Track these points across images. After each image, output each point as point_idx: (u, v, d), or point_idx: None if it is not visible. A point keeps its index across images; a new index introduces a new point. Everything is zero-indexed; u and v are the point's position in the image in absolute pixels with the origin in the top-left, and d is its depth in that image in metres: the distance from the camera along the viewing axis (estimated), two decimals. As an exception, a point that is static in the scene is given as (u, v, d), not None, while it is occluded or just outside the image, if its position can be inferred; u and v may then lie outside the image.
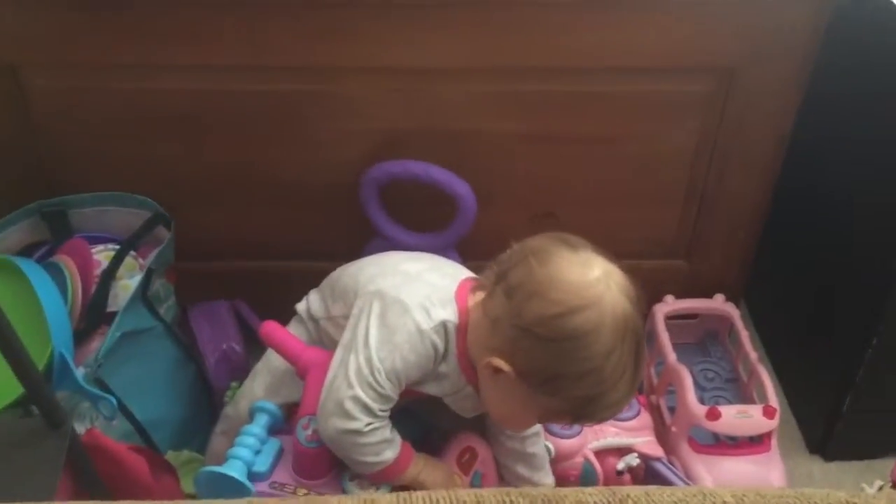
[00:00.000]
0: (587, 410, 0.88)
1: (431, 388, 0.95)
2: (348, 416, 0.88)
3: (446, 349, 0.91)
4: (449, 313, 0.91)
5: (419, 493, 0.45)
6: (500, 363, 0.86)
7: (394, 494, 0.45)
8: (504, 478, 1.08)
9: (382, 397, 0.89)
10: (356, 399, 0.88)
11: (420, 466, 0.95)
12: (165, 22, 1.09)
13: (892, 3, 1.08)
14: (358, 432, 0.88)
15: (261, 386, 1.06)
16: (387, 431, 0.91)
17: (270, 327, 1.00)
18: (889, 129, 1.13)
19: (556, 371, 0.84)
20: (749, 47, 1.15)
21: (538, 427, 1.06)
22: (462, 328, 0.91)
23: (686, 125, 1.23)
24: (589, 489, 0.45)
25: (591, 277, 0.85)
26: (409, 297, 0.91)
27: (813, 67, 1.17)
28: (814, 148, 1.29)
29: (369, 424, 0.89)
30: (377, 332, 0.89)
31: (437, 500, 0.43)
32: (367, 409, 0.88)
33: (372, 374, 0.88)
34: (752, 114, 1.21)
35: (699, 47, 1.15)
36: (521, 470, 1.07)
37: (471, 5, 1.09)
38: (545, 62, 1.15)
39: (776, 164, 1.27)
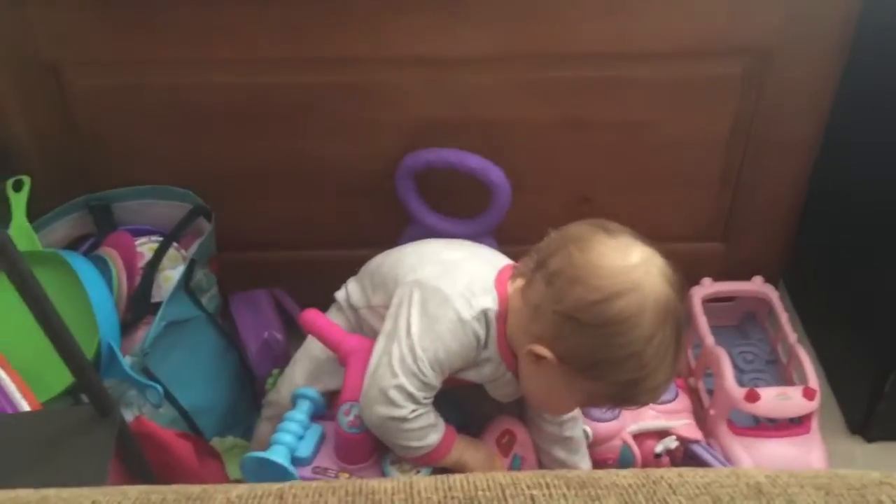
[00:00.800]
0: (628, 394, 0.88)
1: (472, 376, 0.96)
2: (393, 403, 0.90)
3: (487, 337, 0.92)
4: (489, 301, 0.92)
5: (458, 476, 0.46)
6: (541, 350, 0.87)
7: (433, 477, 0.46)
8: (542, 461, 1.09)
9: (426, 385, 0.90)
10: (400, 387, 0.89)
11: (461, 449, 0.96)
12: (204, 17, 1.11)
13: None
14: (403, 419, 0.90)
15: (301, 373, 1.08)
16: (431, 417, 0.93)
17: (311, 315, 1.02)
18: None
19: (598, 356, 0.85)
20: (784, 30, 1.13)
21: (576, 411, 1.07)
22: (502, 315, 0.92)
23: (721, 108, 1.22)
24: (623, 471, 0.46)
25: (630, 262, 0.85)
26: (450, 286, 0.92)
27: (850, 50, 1.16)
28: (852, 130, 1.28)
29: (414, 411, 0.90)
30: (419, 322, 0.91)
31: (475, 482, 0.44)
32: (411, 397, 0.90)
33: (415, 362, 0.89)
34: (789, 96, 1.20)
35: (733, 30, 1.14)
36: (559, 453, 1.08)
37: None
38: (577, 48, 1.15)
39: (813, 146, 1.25)
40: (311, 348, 1.07)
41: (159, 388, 1.07)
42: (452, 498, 0.43)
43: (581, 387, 0.88)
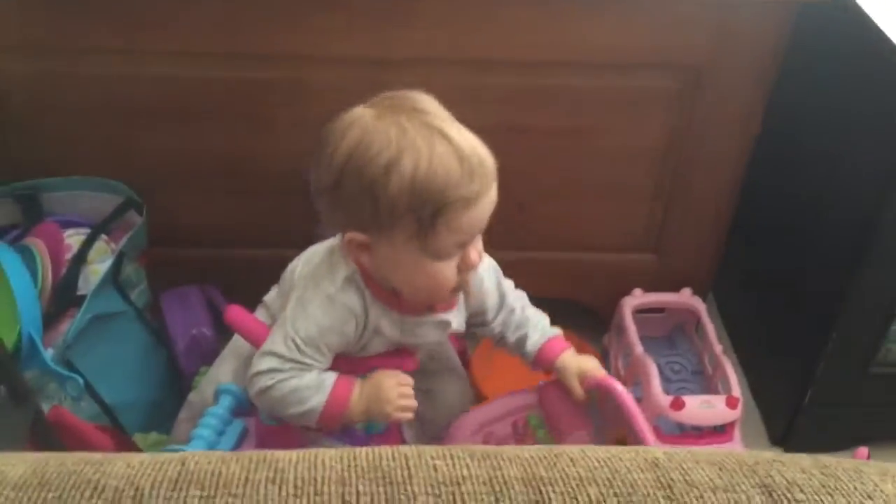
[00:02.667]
0: (438, 221, 0.86)
1: (379, 341, 0.97)
2: (258, 377, 0.93)
3: (365, 299, 0.94)
4: (348, 269, 0.94)
5: (363, 448, 0.46)
6: (351, 235, 0.89)
7: (338, 449, 0.46)
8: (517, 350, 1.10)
9: (294, 362, 0.93)
10: (267, 362, 0.93)
11: (364, 403, 0.95)
12: (139, 8, 1.10)
13: (857, 5, 1.10)
14: (268, 388, 0.93)
15: (227, 370, 1.07)
16: (304, 380, 0.93)
17: (235, 311, 1.01)
18: (852, 129, 1.15)
19: (371, 200, 0.85)
20: (716, 45, 1.16)
21: (493, 300, 1.07)
22: (366, 272, 0.94)
23: (655, 121, 1.25)
24: (528, 447, 0.47)
25: (343, 117, 0.89)
26: (318, 272, 0.95)
27: (781, 67, 1.20)
28: (781, 145, 1.32)
29: (273, 377, 0.92)
30: (293, 308, 0.94)
31: (379, 452, 0.45)
32: (275, 370, 0.93)
33: (287, 341, 0.92)
34: (720, 111, 1.23)
35: (668, 44, 1.17)
36: (518, 332, 1.08)
37: (440, -3, 1.10)
38: (517, 55, 1.16)
39: (743, 160, 1.29)
40: (238, 345, 1.06)
41: (80, 379, 1.05)
42: (357, 467, 0.43)
43: (405, 245, 0.88)
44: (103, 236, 1.21)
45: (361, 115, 0.87)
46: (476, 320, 1.07)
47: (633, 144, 1.27)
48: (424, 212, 0.85)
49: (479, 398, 1.34)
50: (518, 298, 1.09)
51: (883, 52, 1.02)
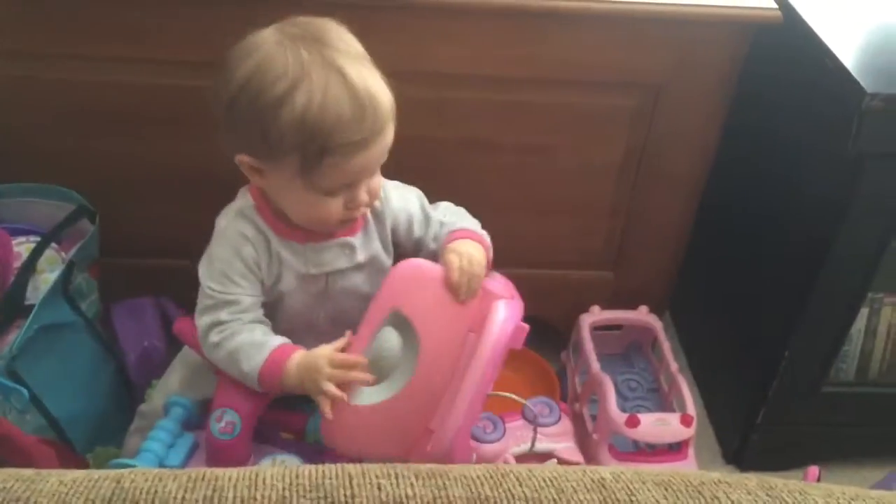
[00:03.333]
0: (324, 161, 0.87)
1: (289, 275, 0.97)
2: (204, 340, 0.95)
3: (258, 228, 0.96)
4: (241, 203, 0.97)
5: (306, 466, 0.45)
6: (241, 158, 0.90)
7: (280, 467, 0.45)
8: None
9: (222, 303, 0.94)
10: (204, 318, 0.95)
11: (298, 376, 0.93)
12: (100, 13, 1.09)
13: (810, 28, 1.12)
14: (216, 346, 0.94)
15: (176, 381, 1.06)
16: (249, 338, 0.94)
17: (184, 323, 1.00)
18: (805, 150, 1.17)
19: (260, 129, 0.86)
20: (675, 68, 1.18)
21: (407, 216, 1.04)
22: (262, 203, 0.96)
23: (614, 138, 1.25)
24: (474, 465, 0.46)
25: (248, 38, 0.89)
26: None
27: (737, 87, 1.21)
28: (738, 166, 1.33)
29: (221, 332, 0.94)
30: (201, 263, 0.98)
31: (323, 471, 0.44)
32: (216, 322, 0.94)
33: (204, 293, 0.95)
34: (678, 130, 1.24)
35: (627, 63, 1.18)
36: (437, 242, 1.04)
37: (402, 10, 1.10)
38: (478, 70, 1.17)
39: (700, 179, 1.30)
40: (188, 355, 1.05)
41: (25, 391, 1.02)
42: (299, 486, 0.42)
43: (291, 177, 0.88)
44: (54, 245, 1.19)
45: (265, 40, 0.87)
46: (400, 239, 1.04)
47: (593, 161, 1.27)
48: (310, 150, 0.85)
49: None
50: (452, 213, 1.06)
51: (833, 73, 1.04)
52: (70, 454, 1.07)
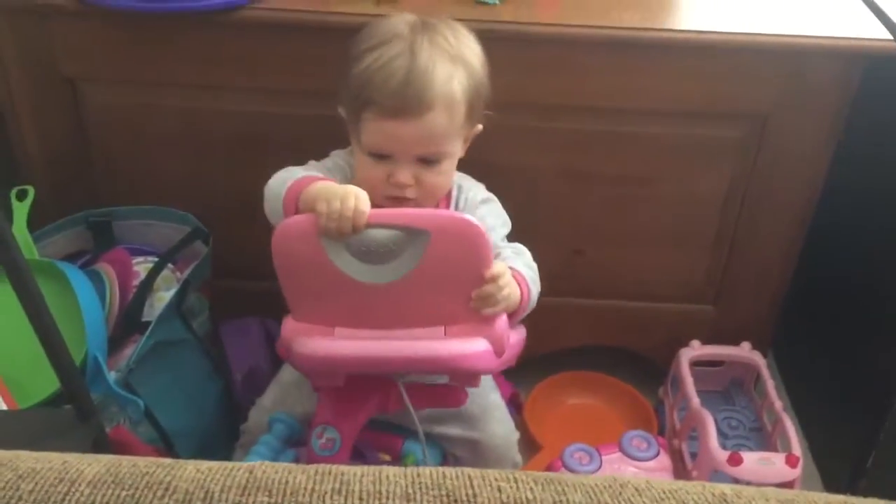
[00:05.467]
0: (362, 117, 0.94)
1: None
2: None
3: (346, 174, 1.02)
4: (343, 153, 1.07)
5: (428, 468, 0.46)
6: (340, 111, 0.99)
7: (402, 468, 0.46)
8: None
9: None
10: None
11: (323, 189, 0.92)
12: (218, 44, 1.15)
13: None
14: (268, 183, 1.00)
15: (269, 398, 1.09)
16: (289, 170, 1.00)
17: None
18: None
19: (344, 75, 0.95)
20: (782, 95, 1.17)
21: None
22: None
23: (718, 170, 1.24)
24: (591, 476, 0.46)
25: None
26: None
27: (847, 118, 1.19)
28: (847, 198, 1.30)
29: (288, 169, 1.00)
30: None
31: (444, 472, 0.45)
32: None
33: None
34: (785, 161, 1.22)
35: (733, 93, 1.17)
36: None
37: (510, 41, 1.12)
38: (582, 101, 1.18)
39: (807, 212, 1.27)
40: (283, 374, 1.08)
41: (141, 402, 1.07)
42: (421, 484, 0.43)
43: (353, 126, 0.97)
44: (170, 265, 1.24)
45: (402, 18, 0.96)
46: None
47: (697, 192, 1.26)
48: (359, 101, 0.93)
49: (533, 447, 1.32)
50: (515, 251, 1.04)
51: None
52: (180, 465, 1.10)
